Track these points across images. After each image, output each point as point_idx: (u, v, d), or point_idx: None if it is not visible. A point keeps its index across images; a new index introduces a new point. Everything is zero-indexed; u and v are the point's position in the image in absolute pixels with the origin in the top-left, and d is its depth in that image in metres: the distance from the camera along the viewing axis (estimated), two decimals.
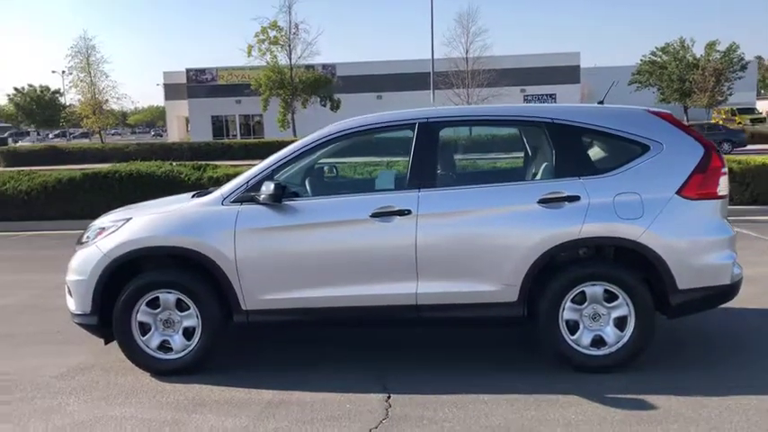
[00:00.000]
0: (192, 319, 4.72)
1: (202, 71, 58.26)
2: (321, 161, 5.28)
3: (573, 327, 4.59)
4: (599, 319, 4.57)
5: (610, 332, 4.57)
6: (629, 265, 4.58)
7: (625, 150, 4.69)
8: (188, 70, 58.24)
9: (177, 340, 4.76)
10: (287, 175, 4.84)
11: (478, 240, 4.55)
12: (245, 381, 4.60)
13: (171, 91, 61.69)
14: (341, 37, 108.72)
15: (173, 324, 4.75)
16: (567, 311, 4.56)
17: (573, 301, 4.56)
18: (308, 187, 5.00)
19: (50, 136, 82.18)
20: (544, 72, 55.83)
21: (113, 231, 4.79)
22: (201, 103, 57.56)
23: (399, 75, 55.16)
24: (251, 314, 4.68)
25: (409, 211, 4.54)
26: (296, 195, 4.74)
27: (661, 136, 4.65)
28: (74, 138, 77.31)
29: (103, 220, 5.01)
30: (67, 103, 60.32)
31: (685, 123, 4.91)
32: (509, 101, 49.98)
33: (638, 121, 4.74)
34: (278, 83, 41.66)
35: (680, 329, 5.40)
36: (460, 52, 43.95)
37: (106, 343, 4.90)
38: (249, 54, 41.55)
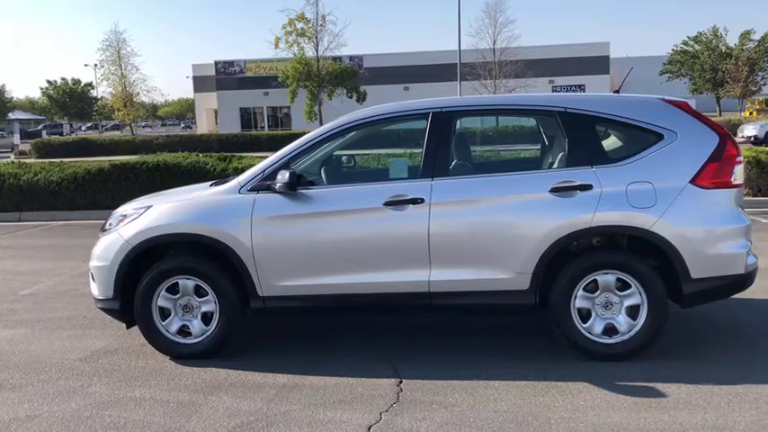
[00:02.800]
0: (210, 304, 4.84)
1: (231, 63, 58.75)
2: (339, 152, 5.36)
3: (585, 315, 4.62)
4: (611, 308, 4.59)
5: (622, 321, 4.59)
6: (642, 254, 4.59)
7: (638, 139, 4.70)
8: (217, 63, 58.77)
9: (196, 325, 4.88)
10: (303, 165, 4.93)
11: (490, 229, 4.59)
12: (260, 365, 4.71)
13: (200, 83, 62.35)
14: (369, 29, 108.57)
15: (191, 309, 4.88)
16: (579, 300, 4.59)
17: (585, 289, 4.58)
18: (323, 176, 5.09)
19: (83, 128, 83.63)
20: (573, 62, 55.30)
21: (134, 219, 4.93)
22: (230, 95, 58.08)
23: (426, 66, 55.08)
24: (267, 300, 4.79)
25: (422, 200, 4.60)
26: (312, 184, 4.83)
27: (675, 125, 4.64)
28: (105, 130, 78.61)
29: (126, 208, 5.15)
30: (99, 96, 61.36)
31: (716, 114, 4.88)
32: (537, 92, 49.69)
33: (652, 109, 4.74)
34: (305, 74, 41.80)
35: (694, 319, 5.39)
36: (488, 43, 43.73)
37: (128, 327, 5.05)
38: (276, 46, 41.73)
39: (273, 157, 4.95)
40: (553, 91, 53.93)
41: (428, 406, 4.00)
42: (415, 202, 4.61)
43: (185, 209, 4.88)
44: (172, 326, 4.89)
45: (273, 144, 34.65)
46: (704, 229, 4.53)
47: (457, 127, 4.82)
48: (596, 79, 53.69)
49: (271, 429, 3.76)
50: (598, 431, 3.64)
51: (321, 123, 43.08)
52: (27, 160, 22.00)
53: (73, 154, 32.35)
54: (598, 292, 4.59)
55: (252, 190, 4.81)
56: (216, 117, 64.29)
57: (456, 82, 38.98)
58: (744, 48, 46.76)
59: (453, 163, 4.77)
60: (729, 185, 4.59)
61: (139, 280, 4.85)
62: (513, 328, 5.36)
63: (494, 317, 5.56)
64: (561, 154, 4.77)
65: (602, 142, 4.79)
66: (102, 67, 47.27)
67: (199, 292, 4.85)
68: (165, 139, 38.67)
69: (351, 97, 42.96)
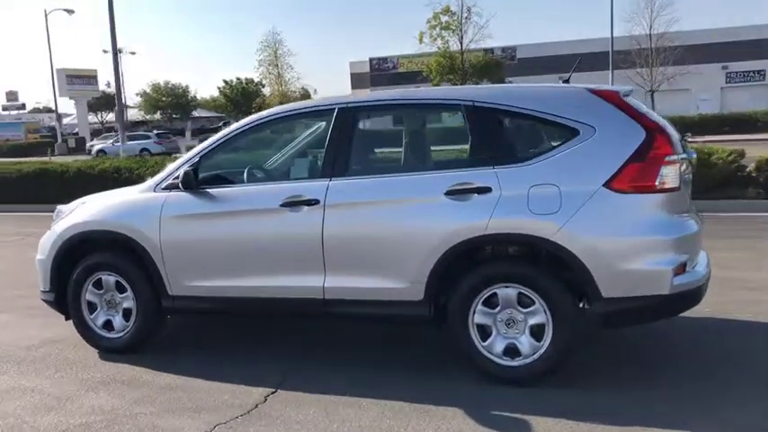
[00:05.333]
0: (129, 301, 4.92)
1: (384, 60, 59.81)
2: (257, 150, 5.23)
3: (486, 332, 4.14)
4: (514, 326, 4.08)
5: (525, 341, 4.05)
6: (549, 267, 4.03)
7: (550, 136, 4.14)
8: (371, 59, 60.12)
9: (118, 320, 4.99)
10: (213, 163, 4.84)
11: (383, 234, 4.25)
12: (163, 364, 4.71)
13: (356, 80, 64.06)
14: (524, 18, 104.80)
15: (115, 305, 4.99)
16: (479, 315, 4.12)
17: (485, 303, 4.10)
18: (233, 175, 4.96)
19: None
20: (752, 45, 50.03)
21: (67, 215, 5.14)
22: (383, 91, 59.13)
23: (582, 55, 52.52)
24: (176, 300, 4.78)
25: (317, 201, 4.35)
26: (223, 183, 4.75)
27: (595, 118, 4.01)
28: None
29: (66, 205, 5.38)
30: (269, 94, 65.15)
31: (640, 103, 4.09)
32: (700, 80, 45.64)
33: (571, 102, 4.13)
34: (448, 68, 41.64)
35: (638, 340, 4.65)
36: (643, 28, 40.85)
37: (66, 319, 5.26)
38: (421, 41, 42.03)
39: (187, 154, 4.93)
40: (726, 78, 49.37)
41: (272, 420, 3.79)
42: (310, 203, 4.37)
43: (107, 206, 5.00)
44: (98, 320, 5.03)
45: None
46: (617, 241, 3.88)
47: (360, 124, 4.50)
48: None
49: None
50: None
51: None
52: None
53: None
54: (499, 307, 4.09)
55: (165, 188, 4.81)
56: None
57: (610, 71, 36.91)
58: None
59: (354, 162, 4.45)
60: (653, 190, 3.89)
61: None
62: (428, 342, 4.91)
63: (407, 327, 5.14)
64: (462, 152, 4.31)
65: (514, 140, 4.27)
66: (260, 67, 50.16)
67: (120, 288, 4.95)
68: None
69: None
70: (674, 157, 3.91)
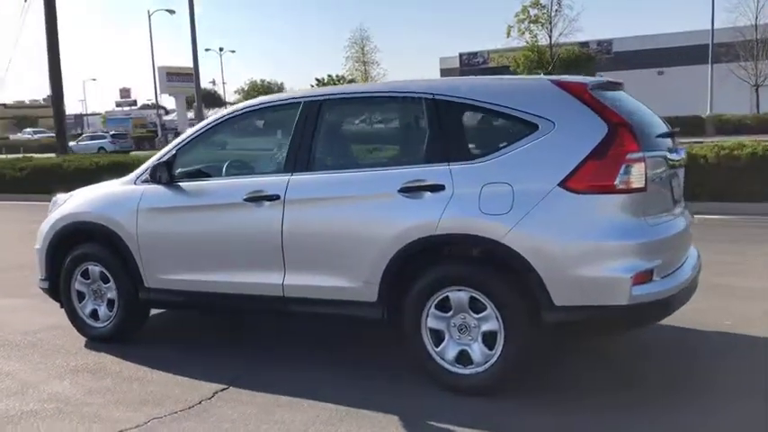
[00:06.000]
0: (112, 291, 5.01)
1: (474, 54, 59.04)
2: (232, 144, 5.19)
3: (439, 337, 3.94)
4: (468, 332, 3.85)
5: (477, 349, 3.82)
6: (501, 271, 3.77)
7: (508, 131, 3.86)
8: (461, 54, 59.49)
9: (102, 310, 5.09)
10: (189, 157, 4.83)
11: (338, 231, 4.12)
12: (138, 355, 4.75)
13: (446, 76, 63.61)
14: (615, 12, 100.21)
15: (101, 295, 5.10)
16: (432, 319, 3.91)
17: (438, 307, 3.89)
18: (211, 169, 4.91)
19: None
20: None
21: (60, 206, 5.29)
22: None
23: (683, 48, 49.89)
24: (152, 292, 4.83)
25: (278, 197, 4.27)
26: (201, 176, 4.74)
27: (555, 113, 3.72)
28: None
29: (60, 195, 5.54)
30: None
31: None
32: None
33: (532, 95, 3.85)
34: (536, 62, 40.59)
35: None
36: (749, 18, 38.33)
37: (61, 307, 5.40)
38: (508, 35, 41.19)
39: (166, 148, 4.96)
40: None
41: (207, 417, 3.74)
42: (271, 198, 4.30)
43: (92, 198, 5.12)
44: (86, 308, 5.15)
45: None
46: (571, 245, 3.58)
47: (324, 118, 4.37)
48: None
49: (42, 422, 3.78)
50: None
51: None
52: None
53: None
54: (452, 311, 3.87)
55: (144, 181, 4.87)
56: None
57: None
58: None
59: (316, 157, 4.31)
60: (613, 190, 3.56)
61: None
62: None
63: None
64: (420, 148, 4.08)
65: (471, 135, 4.03)
66: (347, 63, 50.70)
67: (104, 278, 5.05)
68: None
69: None
70: (638, 155, 3.56)
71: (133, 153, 28.13)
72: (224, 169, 4.75)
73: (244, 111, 4.74)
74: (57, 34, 22.03)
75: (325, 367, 4.41)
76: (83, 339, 5.17)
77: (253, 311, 4.73)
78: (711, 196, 9.71)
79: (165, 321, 5.62)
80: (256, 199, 4.33)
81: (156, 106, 58.63)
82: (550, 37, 40.71)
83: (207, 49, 73.70)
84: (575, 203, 3.57)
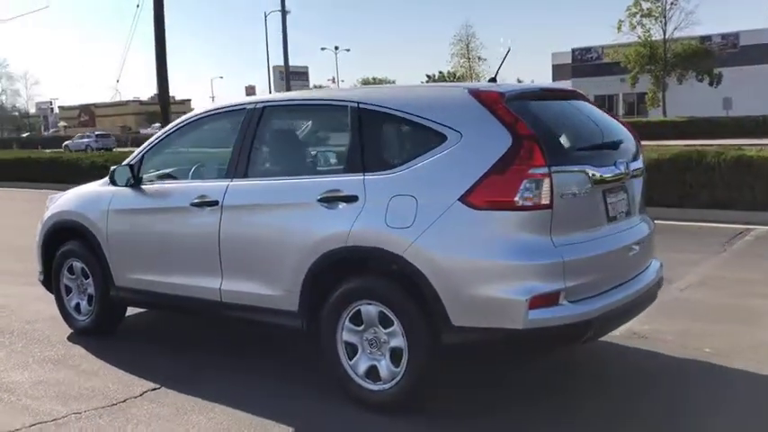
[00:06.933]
0: (91, 287, 5.27)
1: (588, 50, 57.04)
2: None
3: (354, 351, 3.86)
4: (379, 347, 3.75)
5: (384, 365, 3.72)
6: (405, 286, 3.63)
7: (420, 141, 3.73)
8: (574, 50, 57.66)
9: (83, 305, 5.36)
10: (153, 161, 4.98)
11: (265, 238, 4.15)
12: (108, 349, 4.96)
13: (558, 72, 61.86)
14: (739, 3, 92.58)
15: (83, 290, 5.36)
16: (347, 332, 3.84)
17: (351, 320, 3.82)
18: (167, 173, 5.00)
19: None
20: None
21: (53, 203, 5.62)
22: (584, 82, 56.35)
23: None
24: (120, 291, 5.02)
25: (217, 202, 4.35)
26: (161, 180, 4.89)
27: (464, 123, 3.55)
28: None
29: (57, 193, 5.87)
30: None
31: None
32: None
33: (445, 104, 3.71)
34: (647, 58, 38.61)
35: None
36: None
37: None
38: (619, 29, 39.45)
39: (137, 150, 5.15)
40: None
41: (121, 415, 3.85)
42: (211, 204, 4.38)
43: (74, 197, 5.39)
44: (72, 302, 5.45)
45: None
46: (468, 263, 3.41)
47: (263, 124, 4.37)
48: None
49: None
50: None
51: (664, 110, 39.44)
52: None
53: None
54: (364, 325, 3.79)
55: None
56: None
57: None
58: None
59: (253, 164, 4.33)
60: (513, 207, 3.35)
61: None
62: None
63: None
64: (342, 157, 4.03)
65: (386, 145, 3.91)
66: (453, 59, 50.39)
67: (85, 274, 5.32)
68: None
69: (701, 80, 38.35)
70: (542, 170, 3.33)
71: None
72: (180, 174, 4.88)
73: (200, 116, 4.86)
74: (164, 42, 23.28)
75: (266, 376, 4.42)
76: (68, 331, 5.46)
77: (199, 315, 4.84)
78: None
79: (156, 318, 5.83)
80: (201, 204, 4.42)
81: None
82: (664, 31, 38.56)
83: (322, 48, 75.69)
84: (474, 219, 3.40)
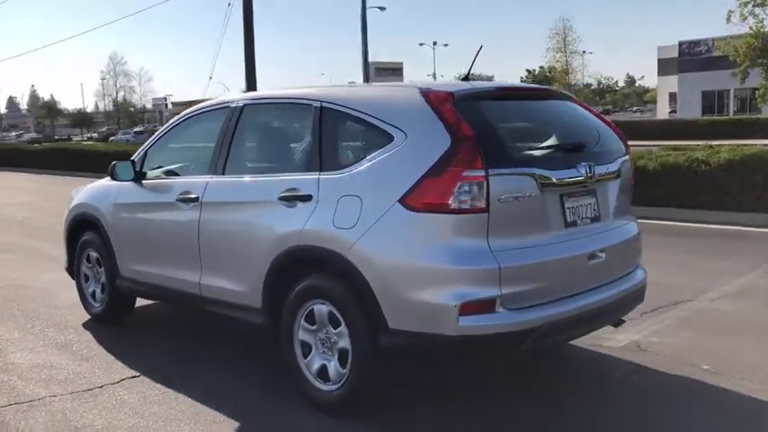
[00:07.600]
0: (103, 276, 5.53)
1: (696, 43, 54.04)
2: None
3: (309, 350, 3.86)
4: (330, 347, 3.73)
5: (332, 365, 3.70)
6: (349, 286, 3.58)
7: (371, 141, 3.66)
8: (681, 43, 54.75)
9: (99, 293, 5.64)
10: (155, 157, 5.16)
11: (234, 235, 4.23)
12: (111, 335, 5.22)
13: (663, 66, 59.13)
14: None
15: (98, 279, 5.64)
16: (302, 331, 3.84)
17: (306, 319, 3.82)
18: (164, 168, 5.12)
19: None
20: None
21: (77, 194, 5.94)
22: (691, 77, 53.54)
23: None
24: (124, 281, 5.26)
25: (197, 198, 4.47)
26: (158, 176, 5.05)
27: (410, 124, 3.47)
28: None
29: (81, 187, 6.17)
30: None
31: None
32: None
33: (394, 104, 3.67)
34: (759, 50, 36.11)
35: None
36: None
37: None
38: (728, 20, 37.04)
39: (143, 146, 5.35)
40: None
41: (90, 400, 4.01)
42: (194, 200, 4.49)
43: (90, 190, 5.68)
44: (89, 289, 5.74)
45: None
46: (403, 265, 3.33)
47: (241, 122, 4.42)
48: None
49: None
50: None
51: None
52: None
53: None
54: (317, 324, 3.77)
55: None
56: (671, 101, 60.07)
57: None
58: None
59: (230, 161, 4.38)
60: (447, 210, 3.23)
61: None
62: None
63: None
64: (303, 155, 4.02)
65: (341, 144, 3.87)
66: (548, 54, 49.11)
67: (99, 263, 5.59)
68: None
69: None
70: (478, 173, 3.20)
71: None
72: (179, 170, 5.03)
73: (196, 113, 4.98)
74: (253, 43, 23.99)
75: (251, 372, 4.47)
76: (84, 317, 5.73)
77: (186, 308, 4.98)
78: None
79: (171, 310, 6.01)
80: (185, 200, 4.55)
81: None
82: None
83: (420, 44, 75.61)
84: (411, 222, 3.32)
